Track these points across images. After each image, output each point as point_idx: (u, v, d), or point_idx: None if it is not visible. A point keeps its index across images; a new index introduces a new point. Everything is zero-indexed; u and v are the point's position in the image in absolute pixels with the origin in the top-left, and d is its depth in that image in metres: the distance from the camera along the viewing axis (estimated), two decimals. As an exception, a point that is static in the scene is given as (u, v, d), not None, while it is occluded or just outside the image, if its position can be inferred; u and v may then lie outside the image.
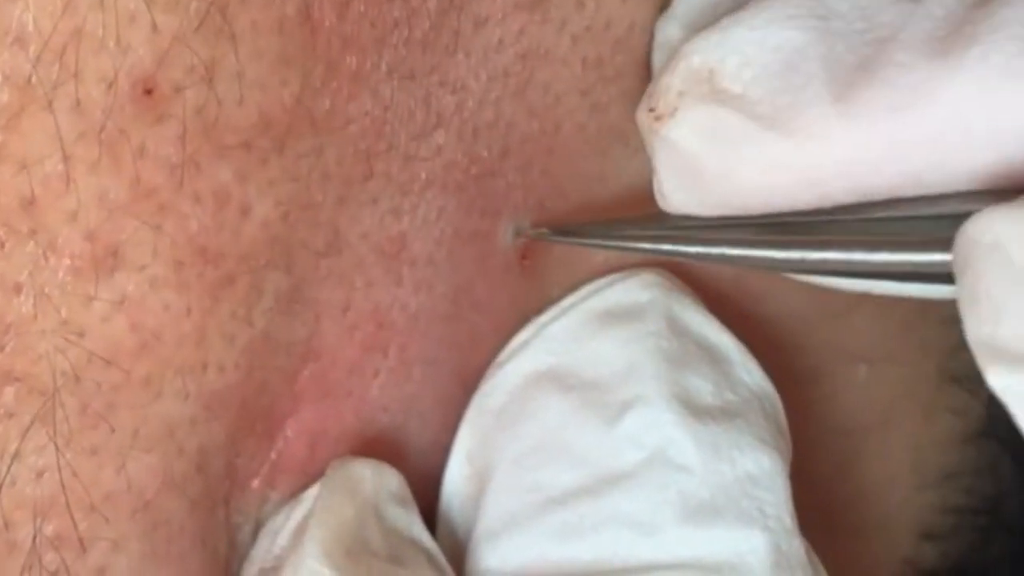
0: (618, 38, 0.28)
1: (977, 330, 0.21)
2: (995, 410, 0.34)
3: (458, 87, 0.26)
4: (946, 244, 0.22)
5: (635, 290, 0.29)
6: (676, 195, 0.26)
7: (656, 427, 0.26)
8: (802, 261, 0.25)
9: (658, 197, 0.27)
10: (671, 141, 0.25)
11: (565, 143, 0.28)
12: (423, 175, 0.26)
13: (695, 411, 0.27)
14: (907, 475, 0.34)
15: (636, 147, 0.28)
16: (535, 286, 0.29)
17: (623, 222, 0.28)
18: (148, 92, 0.22)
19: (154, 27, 0.22)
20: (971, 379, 0.34)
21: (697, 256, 0.26)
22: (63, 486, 0.23)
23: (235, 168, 0.23)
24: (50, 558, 0.23)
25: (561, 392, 0.27)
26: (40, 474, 0.23)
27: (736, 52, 0.25)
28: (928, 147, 0.23)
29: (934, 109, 0.23)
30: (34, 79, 0.21)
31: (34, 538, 0.23)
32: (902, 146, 0.23)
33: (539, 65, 0.27)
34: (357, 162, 0.25)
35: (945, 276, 0.22)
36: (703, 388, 0.27)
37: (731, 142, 0.25)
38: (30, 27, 0.21)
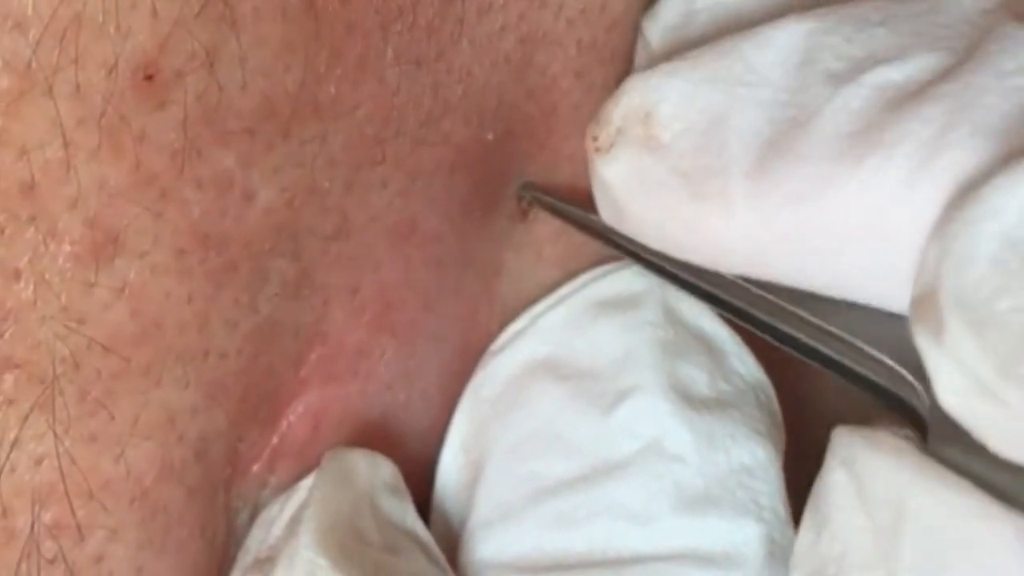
0: (613, 20, 0.28)
1: (804, 533, 0.23)
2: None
3: (464, 75, 0.26)
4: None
5: (631, 279, 0.29)
6: (606, 216, 0.27)
7: (651, 417, 0.26)
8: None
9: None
10: (603, 177, 0.26)
11: (562, 124, 0.28)
12: (431, 159, 0.26)
13: (690, 401, 0.27)
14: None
15: None
16: (533, 262, 0.29)
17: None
18: (149, 78, 0.22)
19: (155, 12, 0.22)
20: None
21: (652, 264, 0.27)
22: (62, 473, 0.23)
23: (238, 154, 0.23)
24: (48, 546, 0.23)
25: (556, 381, 0.28)
26: (39, 461, 0.22)
27: (669, 101, 0.25)
28: (819, 241, 0.23)
29: (825, 207, 0.23)
30: (34, 64, 0.21)
31: (32, 525, 0.23)
32: (796, 235, 0.23)
33: (537, 48, 0.27)
34: (365, 147, 0.25)
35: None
36: (698, 378, 0.27)
37: (651, 192, 0.25)
38: (30, 12, 0.21)
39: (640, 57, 0.28)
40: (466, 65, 0.26)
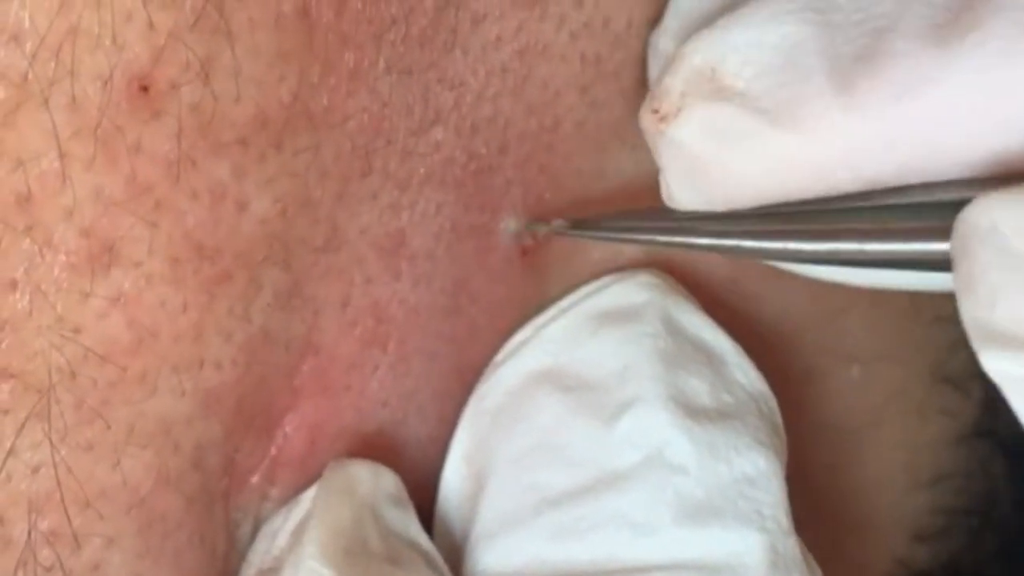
0: (616, 35, 0.28)
1: (973, 313, 0.21)
2: (987, 410, 0.34)
3: (456, 83, 0.26)
4: (948, 232, 0.22)
5: (632, 291, 0.29)
6: (684, 194, 0.26)
7: (653, 428, 0.26)
8: (813, 252, 0.25)
9: (665, 198, 0.27)
10: (677, 141, 0.25)
11: (563, 140, 0.28)
12: (422, 171, 0.26)
13: (692, 412, 0.27)
14: (899, 475, 0.34)
15: (634, 144, 0.28)
16: (533, 281, 0.29)
17: (633, 215, 0.28)
18: (144, 89, 0.22)
19: (150, 24, 0.22)
20: (964, 379, 0.34)
21: (709, 248, 0.26)
22: (58, 482, 0.23)
23: (232, 165, 0.23)
24: (45, 554, 0.23)
25: (558, 393, 0.27)
26: (35, 470, 0.23)
27: (736, 50, 0.25)
28: (930, 134, 0.23)
29: (934, 96, 0.22)
30: (30, 76, 0.21)
31: (29, 534, 0.23)
32: (905, 134, 0.23)
33: (537, 62, 0.27)
34: (355, 158, 0.25)
35: (948, 264, 0.22)
36: (700, 389, 0.27)
37: (737, 139, 0.25)
38: (26, 24, 0.21)
39: (653, 69, 0.28)
40: (459, 74, 0.26)
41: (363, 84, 0.25)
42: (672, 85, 0.26)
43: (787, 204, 0.25)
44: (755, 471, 0.26)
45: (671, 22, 0.28)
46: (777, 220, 0.25)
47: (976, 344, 0.21)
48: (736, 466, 0.26)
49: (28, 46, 0.21)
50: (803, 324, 0.32)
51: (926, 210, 0.23)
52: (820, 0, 0.24)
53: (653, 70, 0.28)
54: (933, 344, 0.33)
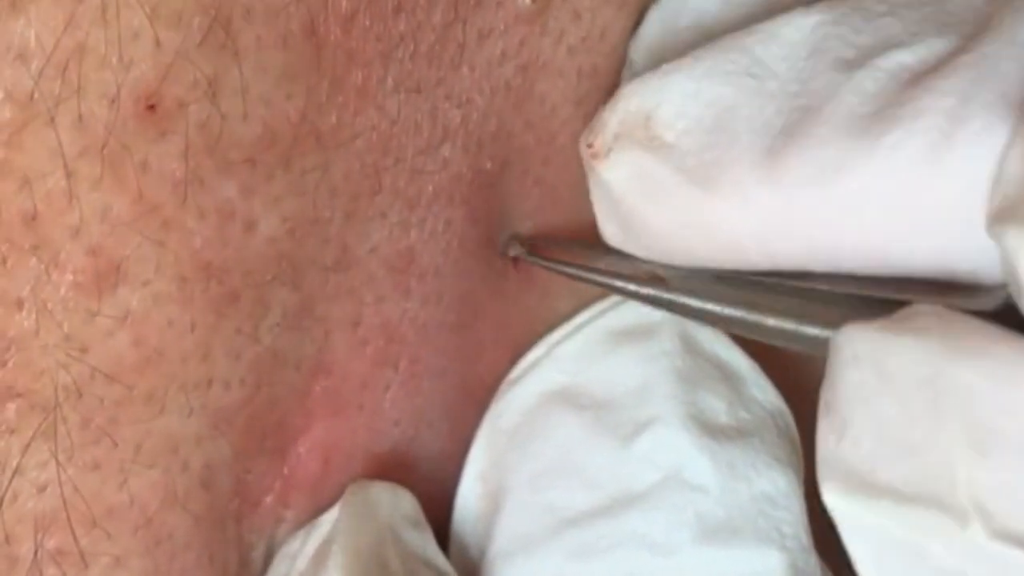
0: (613, 47, 0.28)
1: (822, 441, 0.21)
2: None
3: (463, 100, 0.26)
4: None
5: (648, 309, 0.28)
6: (608, 229, 0.27)
7: (672, 447, 0.26)
8: (729, 316, 0.25)
9: (600, 230, 0.27)
10: (604, 181, 0.26)
11: (559, 153, 0.28)
12: (430, 188, 0.26)
13: (710, 431, 0.26)
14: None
15: None
16: (538, 295, 0.29)
17: (588, 251, 0.28)
18: (151, 108, 0.22)
19: (157, 43, 0.22)
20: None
21: (631, 294, 0.27)
22: (64, 501, 0.23)
23: (240, 183, 0.23)
24: (52, 573, 0.23)
25: (574, 412, 0.27)
26: (42, 489, 0.23)
27: (672, 101, 0.25)
28: (835, 222, 0.23)
29: (845, 186, 0.22)
30: (36, 95, 0.21)
31: (35, 553, 0.23)
32: (813, 217, 0.23)
33: (537, 77, 0.27)
34: (365, 177, 0.25)
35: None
36: (717, 407, 0.27)
37: (657, 192, 0.25)
38: (32, 43, 0.21)
39: (626, 78, 0.28)
40: (466, 91, 0.26)
41: (371, 102, 0.25)
42: (608, 123, 0.26)
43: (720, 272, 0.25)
44: (774, 489, 0.26)
45: (644, 31, 0.28)
46: (704, 280, 0.25)
47: (819, 473, 0.21)
48: (756, 485, 0.26)
49: (34, 64, 0.21)
50: None
51: (833, 297, 0.24)
52: (759, 66, 0.24)
53: (625, 79, 0.28)
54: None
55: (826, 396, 0.21)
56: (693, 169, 0.24)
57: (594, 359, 0.28)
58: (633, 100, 0.25)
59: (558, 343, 0.28)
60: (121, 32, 0.21)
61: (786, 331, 0.24)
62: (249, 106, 0.23)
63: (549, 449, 0.27)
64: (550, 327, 0.29)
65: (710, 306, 0.25)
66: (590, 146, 0.26)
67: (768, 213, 0.23)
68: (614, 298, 0.29)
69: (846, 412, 0.21)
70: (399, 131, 0.25)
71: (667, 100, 0.25)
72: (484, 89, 0.27)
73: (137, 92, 0.22)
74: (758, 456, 0.26)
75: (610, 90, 0.28)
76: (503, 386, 0.29)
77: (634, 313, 0.28)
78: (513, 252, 0.28)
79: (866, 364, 0.21)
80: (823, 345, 0.23)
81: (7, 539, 0.22)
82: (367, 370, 0.26)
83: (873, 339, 0.21)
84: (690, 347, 0.28)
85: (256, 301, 0.24)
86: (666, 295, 0.26)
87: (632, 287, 0.26)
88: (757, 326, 0.25)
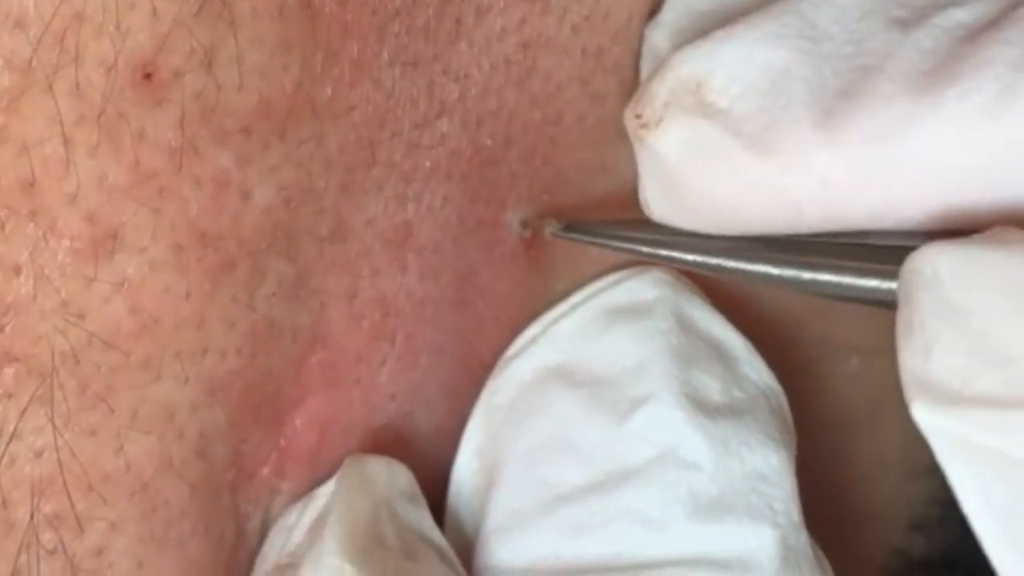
0: (617, 29, 0.28)
1: (908, 361, 0.21)
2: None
3: (461, 75, 0.26)
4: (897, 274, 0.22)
5: (644, 287, 0.28)
6: (657, 203, 0.27)
7: (666, 425, 0.26)
8: (794, 279, 0.25)
9: (642, 203, 0.27)
10: (655, 151, 0.26)
11: (566, 132, 0.28)
12: (427, 163, 0.26)
13: (705, 409, 0.26)
14: (897, 465, 0.34)
15: None
16: (539, 275, 0.29)
17: (624, 225, 0.28)
18: (147, 76, 0.22)
19: (154, 12, 0.22)
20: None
21: (694, 264, 0.27)
22: (61, 466, 0.23)
23: (235, 153, 0.23)
24: (48, 537, 0.23)
25: (570, 389, 0.27)
26: (39, 454, 0.23)
27: (724, 67, 0.25)
28: (899, 181, 0.23)
29: (910, 143, 0.22)
30: (34, 62, 0.21)
31: (32, 517, 0.23)
32: (876, 177, 0.23)
33: (541, 54, 0.27)
34: (360, 149, 0.25)
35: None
36: (712, 386, 0.27)
37: (713, 157, 0.25)
38: (31, 11, 0.21)
39: (647, 64, 0.28)
40: (464, 66, 0.26)
41: (367, 75, 0.25)
42: (657, 92, 0.26)
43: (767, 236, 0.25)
44: (767, 467, 0.26)
45: (667, 16, 0.28)
46: (752, 244, 0.25)
47: (907, 392, 0.21)
48: (748, 462, 0.26)
49: (32, 32, 0.21)
50: (802, 316, 0.32)
51: (884, 251, 0.24)
52: (813, 28, 0.24)
53: (645, 66, 0.28)
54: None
55: (906, 319, 0.21)
56: (750, 134, 0.24)
57: (590, 337, 0.28)
58: (684, 68, 0.25)
59: (555, 321, 0.29)
60: (119, 1, 0.22)
61: (842, 285, 0.24)
62: (245, 76, 0.23)
63: (545, 425, 0.27)
64: (550, 307, 0.29)
65: (763, 268, 0.25)
66: (638, 116, 0.26)
67: (830, 174, 0.23)
68: (611, 277, 0.29)
69: (932, 330, 0.21)
70: (395, 104, 0.25)
71: (720, 66, 0.25)
72: (483, 65, 0.27)
73: (134, 61, 0.22)
74: (751, 434, 0.26)
75: (616, 70, 0.28)
76: (500, 363, 0.29)
77: (630, 292, 0.29)
78: (550, 229, 0.28)
79: (950, 281, 0.21)
80: (884, 295, 0.23)
81: (3, 503, 0.23)
82: (363, 343, 0.27)
83: (957, 256, 0.21)
84: (685, 326, 0.28)
85: (251, 270, 0.24)
86: (713, 260, 0.26)
87: (679, 255, 0.27)
88: (814, 283, 0.25)
